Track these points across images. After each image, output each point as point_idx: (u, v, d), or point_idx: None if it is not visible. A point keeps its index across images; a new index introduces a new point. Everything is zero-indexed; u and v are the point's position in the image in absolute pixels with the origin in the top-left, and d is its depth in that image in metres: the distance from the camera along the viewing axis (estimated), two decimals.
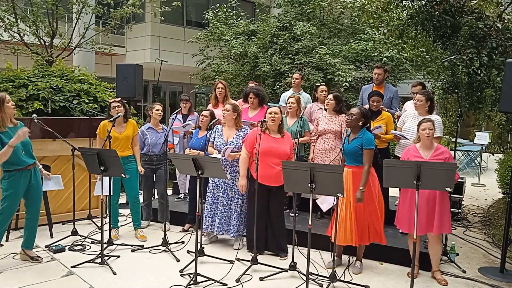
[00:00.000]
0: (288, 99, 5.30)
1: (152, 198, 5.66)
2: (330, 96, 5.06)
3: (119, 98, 5.20)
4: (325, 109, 5.19)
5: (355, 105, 6.42)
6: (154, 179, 5.47)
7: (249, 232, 4.57)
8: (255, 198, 4.19)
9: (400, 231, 4.91)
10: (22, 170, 4.04)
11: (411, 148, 4.07)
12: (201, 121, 5.19)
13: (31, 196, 4.19)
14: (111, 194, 4.74)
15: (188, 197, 5.59)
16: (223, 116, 4.72)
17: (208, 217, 4.77)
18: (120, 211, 5.31)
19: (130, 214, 5.74)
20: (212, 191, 4.75)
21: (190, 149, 5.13)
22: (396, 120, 5.22)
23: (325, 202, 4.12)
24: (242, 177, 4.44)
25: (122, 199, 5.98)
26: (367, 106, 5.01)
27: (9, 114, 4.02)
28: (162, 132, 5.34)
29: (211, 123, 4.76)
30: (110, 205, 4.91)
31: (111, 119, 4.74)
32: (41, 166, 4.36)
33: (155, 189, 5.61)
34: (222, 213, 4.72)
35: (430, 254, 4.13)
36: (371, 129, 4.28)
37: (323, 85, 5.81)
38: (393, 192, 5.86)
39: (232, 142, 4.64)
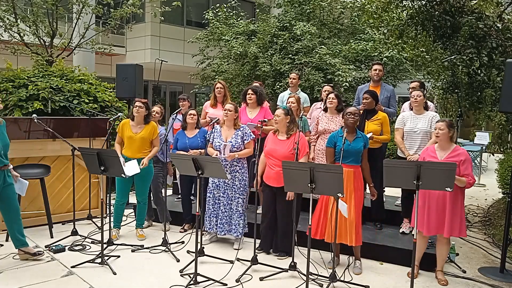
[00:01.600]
0: (288, 99, 5.31)
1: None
2: (332, 95, 5.04)
3: (145, 100, 5.12)
4: (325, 110, 5.17)
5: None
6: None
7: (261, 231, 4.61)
8: (256, 197, 4.23)
9: (400, 231, 4.94)
10: None
11: (430, 148, 4.09)
12: (191, 119, 5.14)
13: (7, 196, 4.11)
14: (114, 188, 4.68)
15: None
16: (226, 116, 4.69)
17: (213, 217, 4.79)
18: None
19: (130, 214, 5.76)
20: (213, 191, 4.76)
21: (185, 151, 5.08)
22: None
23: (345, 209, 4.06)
24: (259, 176, 4.54)
25: None
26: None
27: None
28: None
29: (212, 122, 4.76)
30: (110, 205, 4.91)
31: (112, 118, 4.75)
32: (11, 167, 4.23)
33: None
34: (223, 213, 4.74)
35: (437, 254, 4.13)
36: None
37: (326, 85, 5.84)
38: (394, 192, 5.87)
39: (231, 141, 4.66)
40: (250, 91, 5.29)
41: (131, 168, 4.60)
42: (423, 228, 3.96)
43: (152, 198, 5.41)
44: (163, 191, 5.25)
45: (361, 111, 5.00)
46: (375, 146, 4.90)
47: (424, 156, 4.04)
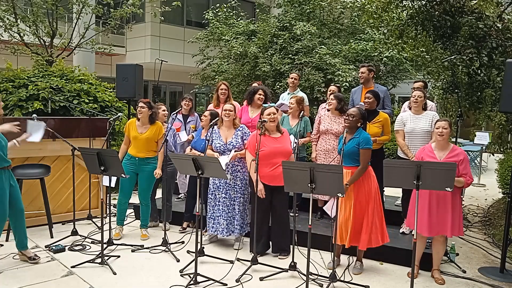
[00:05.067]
0: (290, 99, 5.32)
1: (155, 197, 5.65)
2: (332, 96, 5.05)
3: (147, 100, 5.07)
4: (328, 110, 5.18)
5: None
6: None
7: (251, 233, 4.57)
8: (255, 199, 4.21)
9: (400, 231, 4.93)
10: (3, 169, 3.94)
11: (427, 148, 4.07)
12: (202, 121, 5.19)
13: (12, 198, 4.09)
14: (114, 188, 4.67)
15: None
16: (227, 116, 4.67)
17: (211, 218, 4.77)
18: None
19: (130, 214, 5.76)
20: (214, 192, 4.74)
21: (191, 149, 5.12)
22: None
23: (331, 208, 4.06)
24: (257, 181, 4.23)
25: None
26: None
27: None
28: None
29: (212, 122, 4.75)
30: (110, 205, 4.90)
31: (112, 118, 4.77)
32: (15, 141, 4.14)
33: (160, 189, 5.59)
34: (226, 213, 4.70)
35: (433, 253, 4.13)
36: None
37: (332, 85, 5.84)
38: (394, 192, 5.87)
39: (232, 142, 4.65)
40: (261, 91, 5.31)
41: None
42: (424, 230, 3.94)
43: (164, 197, 5.36)
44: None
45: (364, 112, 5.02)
46: (375, 148, 4.88)
47: (422, 156, 4.01)
